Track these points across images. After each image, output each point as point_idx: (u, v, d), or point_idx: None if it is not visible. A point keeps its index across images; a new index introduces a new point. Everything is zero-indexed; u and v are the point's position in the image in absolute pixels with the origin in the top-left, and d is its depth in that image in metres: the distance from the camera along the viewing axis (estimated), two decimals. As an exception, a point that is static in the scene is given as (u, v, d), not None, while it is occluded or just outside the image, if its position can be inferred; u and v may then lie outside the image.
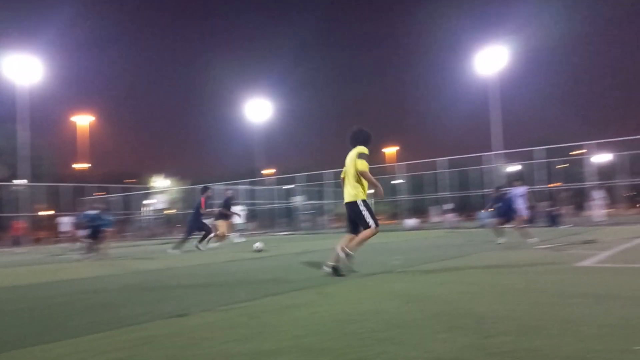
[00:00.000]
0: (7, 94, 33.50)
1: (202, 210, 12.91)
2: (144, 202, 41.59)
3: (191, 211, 13.60)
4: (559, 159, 30.06)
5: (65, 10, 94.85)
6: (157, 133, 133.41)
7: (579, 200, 28.51)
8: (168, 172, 58.85)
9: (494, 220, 12.21)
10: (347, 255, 6.12)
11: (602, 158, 27.74)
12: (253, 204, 33.59)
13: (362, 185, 6.29)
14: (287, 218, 37.17)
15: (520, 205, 13.35)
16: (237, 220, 23.14)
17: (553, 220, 21.38)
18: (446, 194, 28.87)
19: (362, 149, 6.33)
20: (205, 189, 13.41)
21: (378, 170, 36.14)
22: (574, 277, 5.28)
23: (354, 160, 6.26)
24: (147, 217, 40.99)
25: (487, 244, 11.13)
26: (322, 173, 34.86)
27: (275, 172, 54.58)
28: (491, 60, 32.02)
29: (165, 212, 42.48)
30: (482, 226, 23.77)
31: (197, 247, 12.85)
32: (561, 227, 20.36)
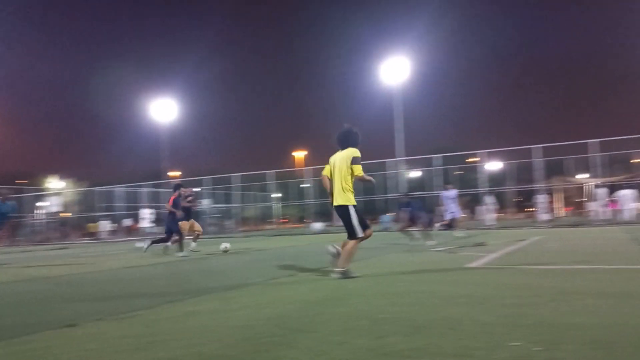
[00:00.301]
0: None
1: (168, 207, 12.16)
2: (37, 204, 38.91)
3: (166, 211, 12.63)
4: (455, 166, 31.86)
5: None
6: (54, 132, 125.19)
7: (472, 205, 30.39)
8: (64, 173, 55.50)
9: (399, 223, 12.81)
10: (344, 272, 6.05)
11: (494, 166, 29.82)
12: (158, 207, 32.50)
13: (352, 188, 6.37)
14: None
15: (453, 208, 14.26)
16: (145, 224, 21.61)
17: (448, 224, 22.57)
18: (351, 198, 29.51)
19: (355, 151, 6.32)
20: (177, 187, 12.65)
21: (287, 175, 36.33)
22: (463, 278, 5.64)
23: (348, 163, 6.26)
24: (41, 221, 38.35)
25: (389, 247, 11.57)
26: (229, 176, 34.43)
27: (181, 175, 53.14)
28: (395, 70, 33.31)
29: (60, 215, 39.98)
30: (385, 229, 24.64)
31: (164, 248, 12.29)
32: (456, 230, 21.55)
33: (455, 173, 32.83)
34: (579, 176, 30.13)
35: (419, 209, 12.53)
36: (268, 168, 33.58)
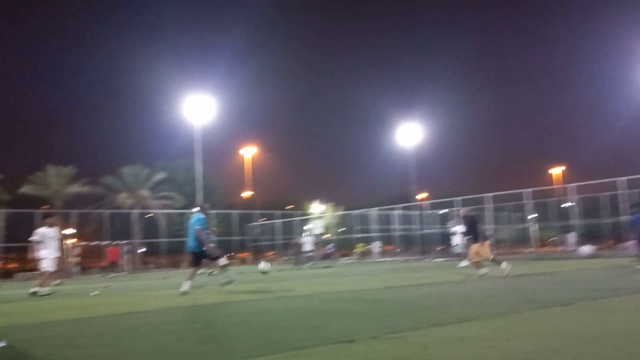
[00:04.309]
0: (187, 130, 35.09)
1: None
2: (304, 227, 38.03)
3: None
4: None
5: (232, 49, 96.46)
6: (313, 160, 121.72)
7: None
8: (323, 198, 56.86)
9: None
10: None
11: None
12: (409, 229, 35.65)
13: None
14: (443, 244, 31.82)
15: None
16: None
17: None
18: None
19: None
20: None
21: (545, 193, 34.50)
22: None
23: None
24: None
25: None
26: (482, 197, 30.69)
27: (428, 197, 49.82)
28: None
29: (323, 236, 41.63)
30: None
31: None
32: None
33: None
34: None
35: None
36: (520, 187, 31.83)
